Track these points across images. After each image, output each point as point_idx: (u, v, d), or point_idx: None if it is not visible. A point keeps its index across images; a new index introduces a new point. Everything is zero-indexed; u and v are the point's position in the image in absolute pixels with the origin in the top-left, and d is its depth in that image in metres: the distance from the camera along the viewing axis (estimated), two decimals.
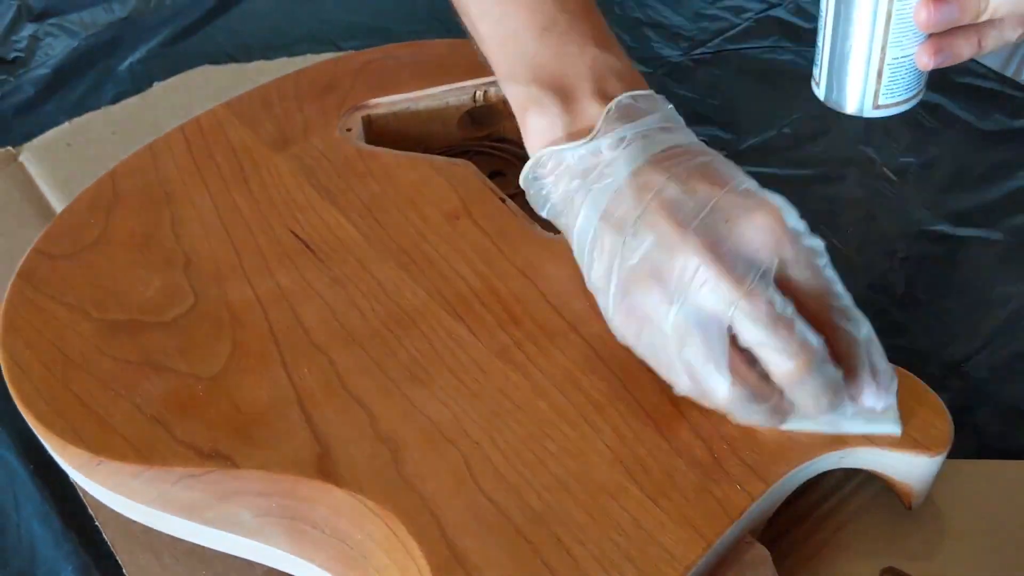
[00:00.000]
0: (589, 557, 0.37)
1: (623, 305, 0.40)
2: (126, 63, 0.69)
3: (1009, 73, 0.67)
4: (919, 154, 0.60)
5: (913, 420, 0.40)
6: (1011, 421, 0.48)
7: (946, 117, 0.62)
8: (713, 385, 0.38)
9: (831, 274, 0.39)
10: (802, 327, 0.37)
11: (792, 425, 0.40)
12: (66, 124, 0.63)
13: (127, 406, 0.42)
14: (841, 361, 0.38)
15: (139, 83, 0.66)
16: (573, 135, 0.42)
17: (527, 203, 0.47)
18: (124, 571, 0.43)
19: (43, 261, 0.49)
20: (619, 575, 0.36)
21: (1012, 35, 0.44)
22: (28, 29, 0.71)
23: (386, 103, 0.57)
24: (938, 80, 0.63)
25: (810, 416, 0.39)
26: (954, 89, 0.63)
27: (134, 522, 0.43)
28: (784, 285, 0.38)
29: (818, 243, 0.39)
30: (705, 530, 0.37)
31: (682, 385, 0.39)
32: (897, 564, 0.42)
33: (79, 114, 0.64)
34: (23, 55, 0.70)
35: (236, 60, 0.67)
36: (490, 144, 0.58)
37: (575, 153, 0.42)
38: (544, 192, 0.43)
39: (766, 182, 0.49)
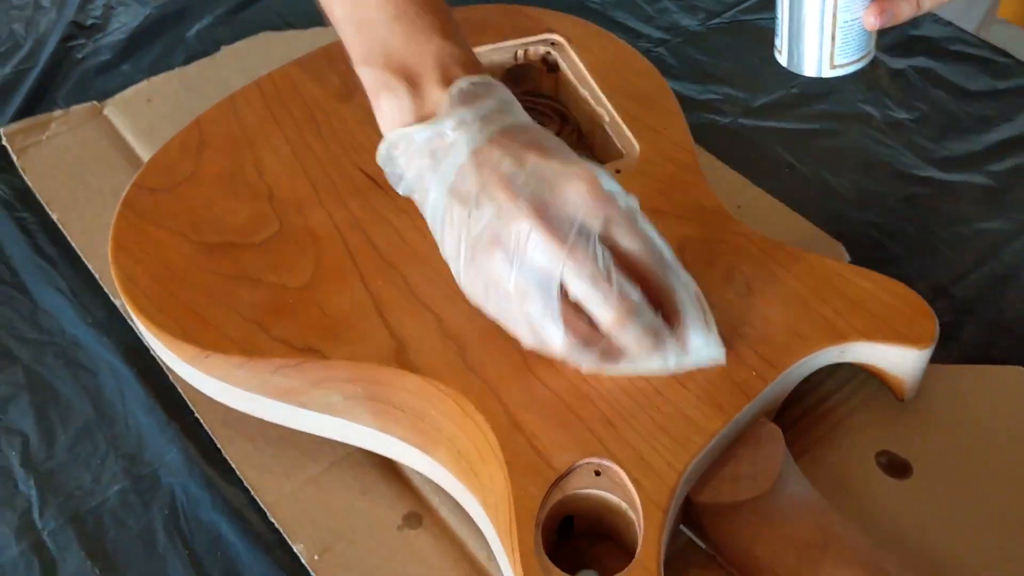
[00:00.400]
0: (629, 428, 0.44)
1: (471, 270, 0.44)
2: (193, 30, 0.75)
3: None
4: (912, 111, 0.67)
5: (902, 319, 0.47)
6: (992, 334, 0.55)
7: (937, 79, 0.69)
8: (550, 336, 0.43)
9: (647, 227, 0.43)
10: (620, 279, 0.41)
11: (630, 369, 0.44)
12: (144, 82, 0.70)
13: (227, 311, 0.49)
14: (665, 306, 0.43)
15: (206, 47, 0.73)
16: (421, 117, 0.46)
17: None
18: (224, 454, 0.50)
19: (143, 193, 0.56)
20: (654, 441, 0.43)
21: None
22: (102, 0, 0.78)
23: None
24: (930, 47, 0.71)
25: (639, 357, 0.43)
26: (945, 55, 0.70)
27: (230, 412, 0.50)
28: (611, 244, 0.42)
29: (632, 201, 0.43)
30: (727, 407, 0.44)
31: (526, 338, 0.44)
32: (890, 449, 0.49)
33: (154, 74, 0.70)
34: (99, 22, 0.76)
35: (293, 27, 0.74)
36: (528, 97, 0.65)
37: (422, 135, 0.45)
38: (398, 171, 0.47)
39: (776, 135, 0.57)
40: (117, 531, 0.49)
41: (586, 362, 0.44)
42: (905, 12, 0.46)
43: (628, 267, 0.43)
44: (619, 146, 0.58)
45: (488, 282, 0.44)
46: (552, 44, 0.64)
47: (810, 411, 0.50)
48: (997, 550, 0.45)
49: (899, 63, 0.70)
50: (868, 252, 0.58)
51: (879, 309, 0.47)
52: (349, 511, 0.48)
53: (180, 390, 0.53)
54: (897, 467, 0.48)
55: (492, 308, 0.45)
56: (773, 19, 0.50)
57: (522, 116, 0.47)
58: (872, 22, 0.46)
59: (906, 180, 0.63)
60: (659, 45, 0.73)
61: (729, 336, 0.47)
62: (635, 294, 0.42)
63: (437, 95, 0.46)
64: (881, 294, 0.48)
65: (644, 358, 0.44)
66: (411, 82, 0.47)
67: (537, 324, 0.43)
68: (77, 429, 0.53)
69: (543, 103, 0.65)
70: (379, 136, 0.57)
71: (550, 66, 0.65)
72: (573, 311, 0.43)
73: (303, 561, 0.46)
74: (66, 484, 0.51)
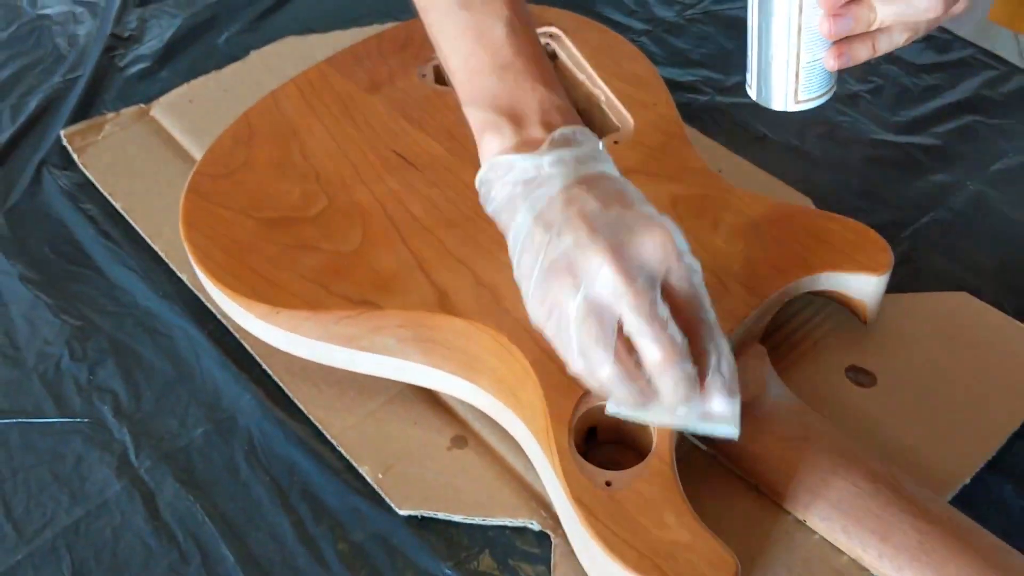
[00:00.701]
0: None
1: (539, 290, 0.47)
2: (223, 37, 0.83)
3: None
4: (868, 84, 0.76)
5: (862, 252, 0.56)
6: (942, 267, 0.64)
7: (889, 56, 0.78)
8: (598, 362, 0.45)
9: (702, 290, 0.47)
10: (673, 327, 0.44)
11: (653, 418, 0.47)
12: (184, 86, 0.78)
13: (291, 274, 0.58)
14: (699, 365, 0.45)
15: (236, 53, 0.81)
16: (521, 149, 0.49)
17: None
18: (292, 397, 0.59)
19: (205, 179, 0.64)
20: None
21: (900, 39, 0.49)
22: (136, 13, 0.86)
23: None
24: None
25: (667, 403, 0.46)
26: None
27: (294, 362, 0.59)
28: (667, 293, 0.45)
29: (696, 263, 0.46)
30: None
31: (575, 363, 0.46)
32: (857, 363, 0.58)
33: (192, 78, 0.79)
34: (136, 33, 0.84)
35: (315, 31, 0.82)
36: None
37: (522, 164, 0.49)
38: (492, 193, 0.50)
39: (750, 109, 0.65)
40: (205, 465, 0.57)
41: (622, 397, 0.46)
42: (862, 54, 0.49)
43: (678, 318, 0.45)
44: (615, 121, 0.67)
45: (553, 305, 0.46)
46: (551, 36, 0.73)
47: (790, 335, 0.59)
48: (946, 442, 0.54)
49: None
50: (833, 205, 0.67)
51: (842, 244, 0.56)
52: (404, 437, 0.56)
53: (247, 346, 0.61)
54: (863, 378, 0.57)
55: (551, 330, 0.47)
56: (743, 12, 0.58)
57: (612, 167, 0.50)
58: (832, 64, 0.49)
59: (864, 144, 0.72)
60: (642, 35, 0.82)
61: (719, 273, 0.56)
62: (681, 340, 0.45)
63: (538, 134, 0.50)
64: (844, 232, 0.57)
65: (670, 408, 0.46)
66: (515, 121, 0.50)
67: (590, 349, 0.45)
68: (160, 385, 0.61)
69: None
70: (407, 122, 0.66)
71: (550, 55, 0.73)
72: (623, 347, 0.45)
73: (369, 480, 0.55)
74: (156, 430, 0.59)
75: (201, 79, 0.78)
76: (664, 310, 0.44)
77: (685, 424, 0.47)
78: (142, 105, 0.77)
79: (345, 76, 0.70)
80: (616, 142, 0.64)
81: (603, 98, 0.68)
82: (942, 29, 0.80)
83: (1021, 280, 0.63)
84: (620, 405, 0.47)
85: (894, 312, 0.60)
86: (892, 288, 0.60)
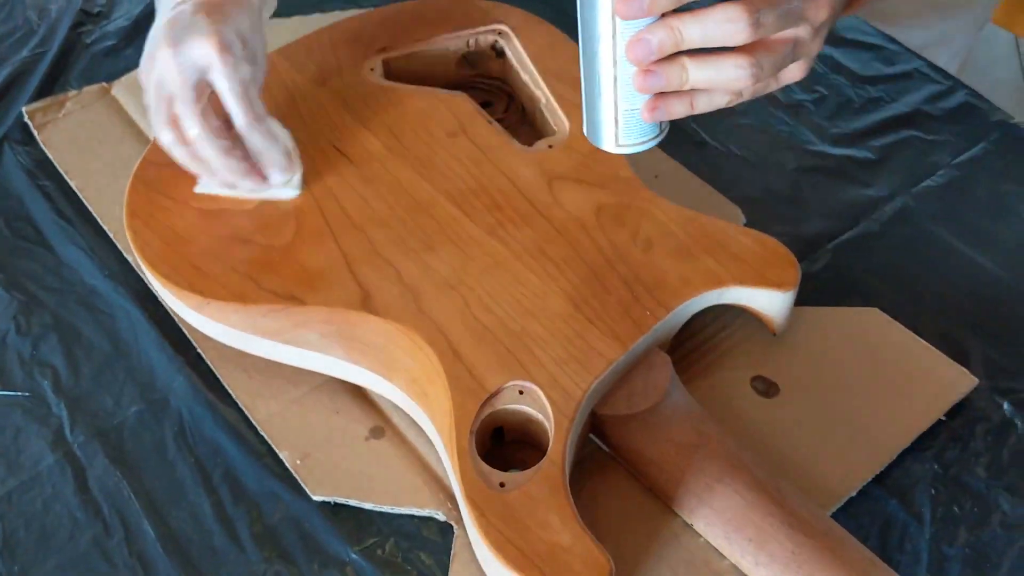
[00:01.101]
0: (547, 357, 0.55)
1: (143, 65, 0.60)
2: None
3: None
4: (812, 93, 0.78)
5: (771, 268, 0.58)
6: (858, 281, 0.66)
7: (836, 65, 0.80)
8: (155, 127, 0.59)
9: (239, 91, 0.58)
10: (209, 113, 0.58)
11: (234, 190, 0.62)
12: None
13: (224, 266, 0.60)
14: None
15: None
16: None
17: (509, 125, 0.65)
18: (222, 382, 0.61)
19: (151, 168, 0.66)
20: (565, 367, 0.54)
21: (721, 100, 0.50)
22: None
23: (399, 48, 0.74)
24: (831, 36, 0.81)
25: (219, 174, 0.60)
26: (843, 43, 0.81)
27: (226, 348, 0.61)
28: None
29: (246, 70, 0.58)
30: (625, 338, 0.56)
31: (157, 121, 0.59)
32: (762, 374, 0.60)
33: None
34: (104, 10, 0.86)
35: (277, 16, 0.84)
36: (481, 80, 0.75)
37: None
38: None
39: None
40: (135, 444, 0.60)
41: (179, 159, 0.60)
42: (678, 111, 0.49)
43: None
44: (553, 125, 0.69)
45: (145, 78, 0.60)
46: (499, 33, 0.74)
47: (701, 344, 0.62)
48: (838, 455, 0.57)
49: None
50: (763, 213, 0.69)
51: (752, 260, 0.59)
52: (325, 426, 0.59)
53: (184, 330, 0.64)
54: (767, 389, 0.59)
55: (152, 90, 0.59)
56: None
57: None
58: (647, 116, 0.49)
59: (801, 153, 0.74)
60: None
61: (631, 283, 0.58)
62: (217, 124, 0.58)
63: None
64: (755, 247, 0.59)
65: (226, 180, 0.61)
66: None
67: (153, 117, 0.59)
68: (99, 363, 0.64)
69: (493, 84, 0.76)
70: (351, 117, 0.68)
71: (498, 52, 0.75)
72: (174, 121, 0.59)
73: (287, 465, 0.58)
74: (91, 407, 0.62)
75: None
76: (202, 101, 0.58)
77: (254, 193, 0.63)
78: (104, 84, 0.79)
79: (294, 67, 0.72)
80: (550, 146, 0.66)
81: (543, 100, 0.70)
82: (891, 40, 0.81)
83: (934, 298, 0.65)
84: (203, 185, 0.63)
85: (804, 325, 0.62)
86: (810, 299, 0.63)
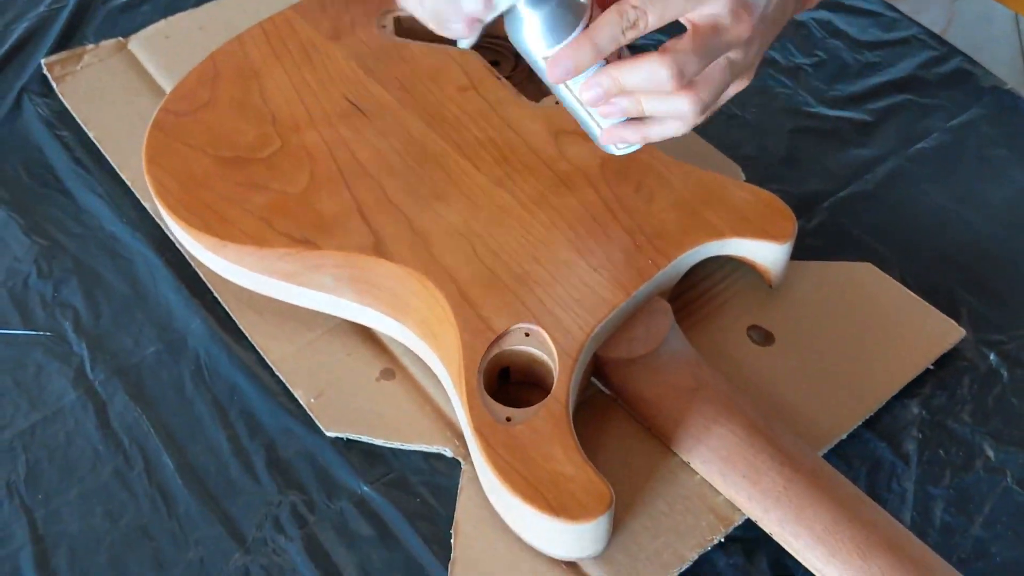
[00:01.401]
0: (551, 300, 0.57)
1: None
2: None
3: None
4: (811, 57, 0.80)
5: (768, 221, 0.61)
6: (852, 237, 0.68)
7: (834, 31, 0.82)
8: None
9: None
10: None
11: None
12: (162, 21, 0.81)
13: (241, 210, 0.62)
14: None
15: None
16: None
17: (517, 83, 0.67)
18: (237, 323, 0.64)
19: (169, 116, 0.68)
20: (570, 311, 0.57)
21: (671, 131, 0.52)
22: None
23: None
24: (830, 3, 0.83)
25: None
26: (843, 9, 0.83)
27: (242, 291, 0.63)
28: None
29: None
30: (627, 285, 0.58)
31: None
32: (758, 323, 0.63)
33: (170, 14, 0.82)
34: None
35: None
36: (489, 40, 0.77)
37: None
38: None
39: None
40: (153, 381, 0.62)
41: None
42: (632, 138, 0.53)
43: None
44: None
45: None
46: None
47: (700, 294, 0.64)
48: (830, 400, 0.59)
49: (803, 15, 0.82)
50: (761, 172, 0.71)
51: (750, 213, 0.61)
52: (337, 366, 0.61)
53: (201, 274, 0.66)
54: (762, 338, 0.62)
55: None
56: None
57: None
58: (605, 140, 0.54)
59: (798, 115, 0.76)
60: None
61: (634, 232, 0.60)
62: None
63: None
64: (753, 201, 0.61)
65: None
66: None
67: None
68: (118, 305, 0.66)
69: (501, 44, 0.77)
70: (363, 72, 0.70)
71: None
72: None
73: (302, 403, 0.60)
74: (111, 346, 0.64)
75: (178, 16, 0.82)
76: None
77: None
78: (120, 39, 0.81)
79: (309, 23, 0.74)
80: (557, 102, 0.68)
81: None
82: (890, 7, 0.83)
83: (926, 254, 0.67)
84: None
85: (800, 278, 0.64)
86: (805, 254, 0.65)
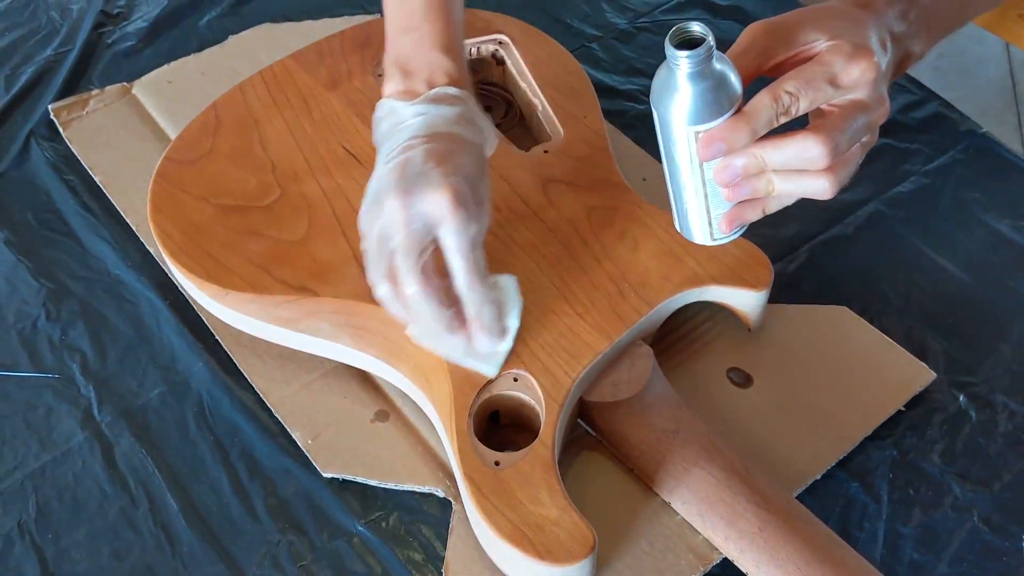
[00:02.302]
0: (538, 345, 0.60)
1: (364, 216, 0.57)
2: (205, 19, 0.89)
3: None
4: None
5: (747, 269, 0.63)
6: (829, 282, 0.71)
7: None
8: (372, 281, 0.56)
9: (467, 251, 0.55)
10: (428, 269, 0.55)
11: (439, 349, 0.58)
12: (165, 67, 0.84)
13: (241, 259, 0.65)
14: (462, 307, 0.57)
15: (216, 36, 0.87)
16: (403, 95, 0.60)
17: (507, 130, 0.69)
18: (239, 367, 0.66)
19: (172, 165, 0.71)
20: (556, 357, 0.59)
21: (788, 200, 0.53)
22: None
23: None
24: None
25: (429, 329, 0.57)
26: None
27: (243, 335, 0.66)
28: (439, 244, 0.55)
29: (473, 227, 0.55)
30: (611, 332, 0.60)
31: (372, 273, 0.56)
32: (738, 366, 0.65)
33: (173, 59, 0.85)
34: (124, 11, 0.91)
35: (289, 19, 0.88)
36: (482, 86, 0.80)
37: (394, 108, 0.60)
38: (379, 127, 0.61)
39: None
40: (158, 423, 0.65)
41: (392, 312, 0.57)
42: (751, 217, 0.54)
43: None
44: (548, 131, 0.74)
45: (367, 228, 0.57)
46: (499, 43, 0.79)
47: (682, 337, 0.67)
48: (805, 441, 0.62)
49: None
50: None
51: (730, 261, 0.63)
52: (334, 408, 0.64)
53: (203, 318, 0.69)
54: (741, 379, 0.64)
55: (364, 246, 0.57)
56: (690, 17, 0.62)
57: (467, 131, 0.59)
58: (726, 228, 0.54)
59: None
60: (592, 41, 0.88)
61: (618, 280, 0.63)
62: (437, 282, 0.56)
63: (421, 87, 0.60)
64: (733, 250, 0.64)
65: (434, 338, 0.58)
66: (406, 76, 0.61)
67: (369, 269, 0.57)
68: (124, 347, 0.68)
69: (494, 91, 0.80)
70: (360, 121, 0.73)
71: (498, 60, 0.79)
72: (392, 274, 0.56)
73: (300, 444, 0.63)
74: (117, 388, 0.66)
75: (180, 61, 0.85)
76: (424, 256, 0.55)
77: (456, 356, 0.58)
78: (125, 84, 0.83)
79: (308, 72, 0.76)
80: (546, 151, 0.71)
81: (540, 107, 0.75)
82: None
83: (900, 298, 0.70)
84: (412, 331, 0.59)
85: (778, 321, 0.67)
86: (785, 296, 0.68)
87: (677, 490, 0.58)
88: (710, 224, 0.55)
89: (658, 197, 0.67)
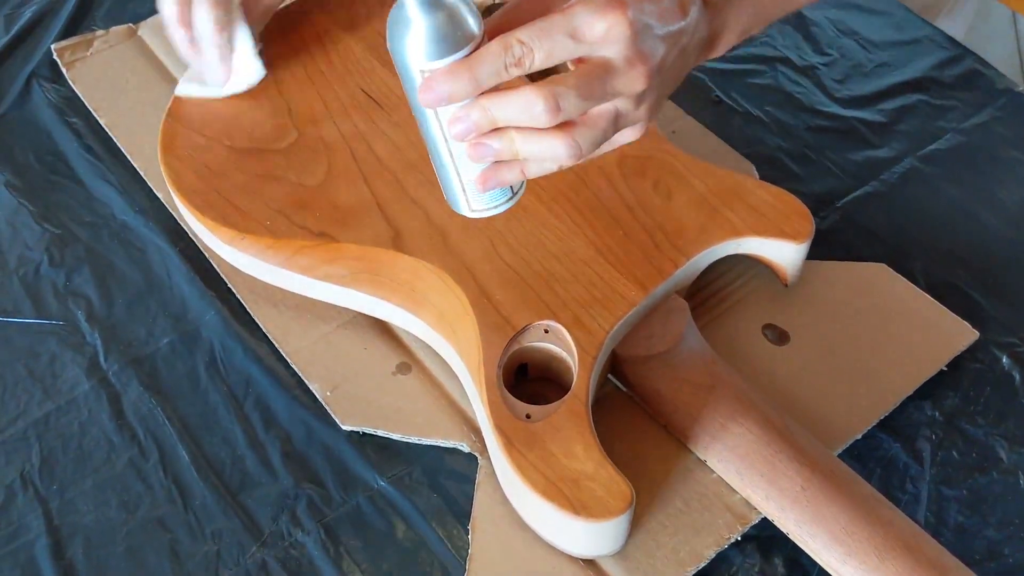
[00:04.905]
0: (570, 298, 0.57)
1: None
2: None
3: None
4: (824, 56, 0.80)
5: (786, 220, 0.61)
6: (865, 238, 0.68)
7: (847, 30, 0.82)
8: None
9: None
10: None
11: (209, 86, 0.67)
12: None
13: (258, 202, 0.62)
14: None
15: None
16: None
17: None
18: (252, 315, 0.64)
19: (184, 104, 0.67)
20: (590, 308, 0.57)
21: (551, 167, 0.48)
22: None
23: None
24: (844, 1, 0.83)
25: (181, 52, 0.66)
26: (856, 8, 0.83)
27: (256, 283, 0.63)
28: None
29: None
30: (647, 283, 0.58)
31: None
32: (774, 322, 0.63)
33: None
34: None
35: None
36: None
37: None
38: None
39: (708, 73, 0.68)
40: (168, 372, 0.62)
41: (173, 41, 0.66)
42: (509, 178, 0.48)
43: None
44: None
45: None
46: None
47: (716, 292, 0.64)
48: (845, 400, 0.59)
49: (817, 15, 0.82)
50: (775, 171, 0.71)
51: (768, 212, 0.61)
52: (353, 360, 0.61)
53: (215, 265, 0.66)
54: (777, 336, 0.62)
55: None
56: None
57: None
58: (480, 187, 0.48)
59: (812, 114, 0.76)
60: None
61: (651, 230, 0.60)
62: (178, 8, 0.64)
63: None
64: (772, 200, 0.61)
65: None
66: None
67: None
68: (131, 295, 0.65)
69: None
70: (379, 63, 0.70)
71: None
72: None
73: (317, 396, 0.60)
74: (125, 336, 0.64)
75: None
76: None
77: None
78: (131, 25, 0.80)
79: (326, 12, 0.73)
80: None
81: None
82: (902, 5, 0.83)
83: (939, 255, 0.67)
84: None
85: (815, 277, 0.64)
86: (820, 254, 0.65)
87: (713, 447, 0.56)
88: (464, 191, 0.49)
89: (688, 149, 0.65)
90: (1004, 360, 0.62)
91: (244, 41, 0.66)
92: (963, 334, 0.62)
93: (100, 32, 0.79)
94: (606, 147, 0.49)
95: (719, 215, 0.61)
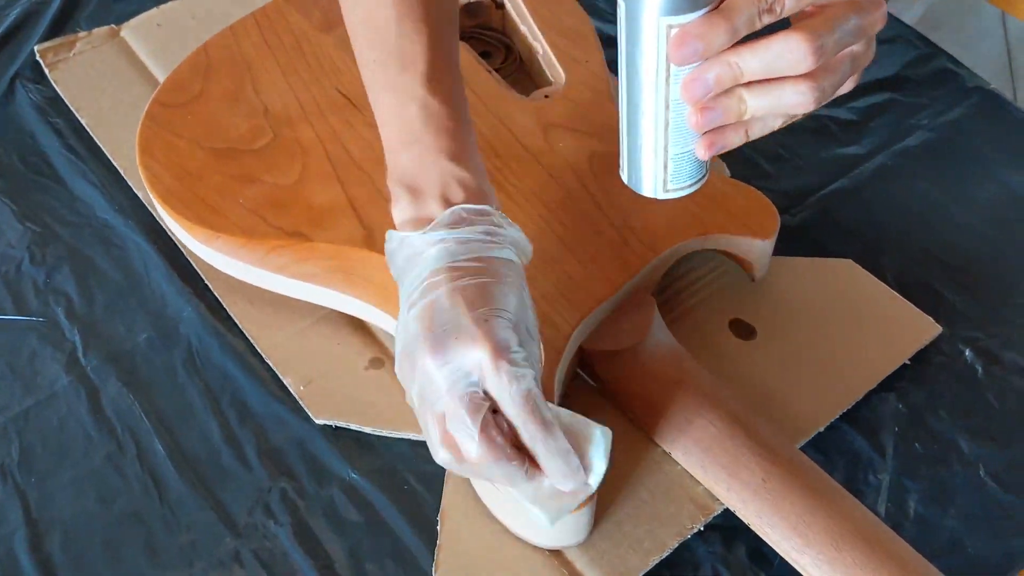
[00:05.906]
0: (537, 294, 0.58)
1: (399, 368, 0.50)
2: None
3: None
4: None
5: (752, 217, 0.62)
6: (834, 234, 0.69)
7: None
8: (431, 446, 0.49)
9: (523, 396, 0.47)
10: (489, 427, 0.47)
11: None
12: (155, 9, 0.82)
13: (233, 203, 0.63)
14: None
15: None
16: (417, 224, 0.52)
17: (507, 75, 0.67)
18: (229, 312, 0.65)
19: (161, 108, 0.69)
20: (557, 304, 0.58)
21: (775, 124, 0.46)
22: None
23: None
24: None
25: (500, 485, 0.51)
26: None
27: (233, 280, 0.64)
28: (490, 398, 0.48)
29: (525, 371, 0.47)
30: (615, 279, 0.59)
31: (432, 435, 0.49)
32: (740, 317, 0.64)
33: (162, 1, 0.82)
34: None
35: None
36: (480, 31, 0.78)
37: (410, 240, 0.51)
38: (393, 263, 0.53)
39: None
40: (146, 368, 0.63)
41: (463, 474, 0.52)
42: (734, 141, 0.46)
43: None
44: (549, 75, 0.72)
45: (407, 384, 0.50)
46: None
47: (685, 287, 0.65)
48: (809, 393, 0.60)
49: None
50: (748, 169, 0.72)
51: (735, 209, 0.62)
52: (327, 355, 0.62)
53: (193, 263, 0.67)
54: (744, 331, 0.63)
55: (414, 401, 0.51)
56: None
57: (498, 250, 0.51)
58: (703, 153, 0.46)
59: None
60: None
61: (621, 228, 0.61)
62: (500, 440, 0.48)
63: (435, 209, 0.52)
64: (739, 198, 0.62)
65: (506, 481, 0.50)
66: (415, 196, 0.53)
67: (426, 431, 0.50)
68: (111, 292, 0.66)
69: (492, 35, 0.78)
70: (354, 63, 0.71)
71: (497, 4, 0.77)
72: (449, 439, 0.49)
73: (292, 391, 0.61)
74: (104, 332, 0.65)
75: (171, 4, 0.82)
76: (480, 413, 0.47)
77: (534, 498, 0.50)
78: (113, 26, 0.81)
79: (301, 13, 0.74)
80: (547, 96, 0.69)
81: (540, 51, 0.73)
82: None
83: (906, 251, 0.68)
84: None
85: (782, 273, 0.65)
86: (792, 250, 0.66)
87: (679, 440, 0.57)
88: (665, 168, 0.47)
89: None
90: (967, 354, 0.63)
91: (563, 452, 0.49)
92: (927, 329, 0.63)
93: (83, 33, 0.80)
94: (826, 99, 0.46)
95: (686, 211, 0.62)
